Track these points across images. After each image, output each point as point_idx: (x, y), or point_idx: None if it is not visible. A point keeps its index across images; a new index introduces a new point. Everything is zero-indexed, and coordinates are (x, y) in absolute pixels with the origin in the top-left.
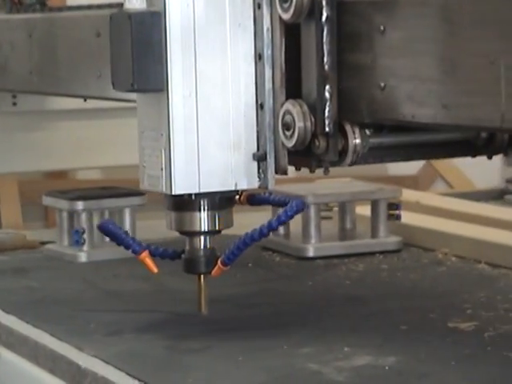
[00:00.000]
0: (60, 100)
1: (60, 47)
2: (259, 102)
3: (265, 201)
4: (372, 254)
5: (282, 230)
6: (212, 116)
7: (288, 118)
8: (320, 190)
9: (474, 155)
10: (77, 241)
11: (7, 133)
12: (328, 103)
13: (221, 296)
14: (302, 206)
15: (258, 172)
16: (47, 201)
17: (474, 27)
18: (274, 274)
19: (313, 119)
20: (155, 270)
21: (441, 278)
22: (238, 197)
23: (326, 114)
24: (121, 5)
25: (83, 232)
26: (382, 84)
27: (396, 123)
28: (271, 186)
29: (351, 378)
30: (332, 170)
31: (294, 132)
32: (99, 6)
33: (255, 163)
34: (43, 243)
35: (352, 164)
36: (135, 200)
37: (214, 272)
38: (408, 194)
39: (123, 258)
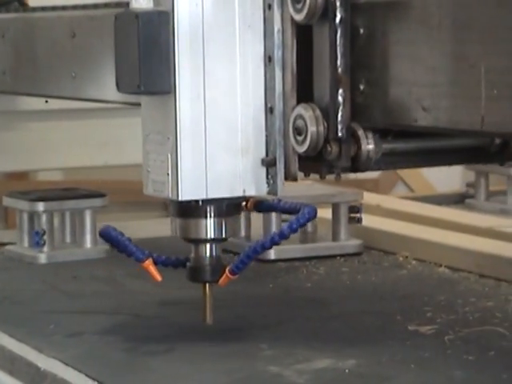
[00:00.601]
0: (21, 101)
1: (34, 48)
2: (269, 106)
3: (273, 207)
4: (333, 256)
5: (243, 231)
6: (220, 119)
7: (300, 122)
8: (286, 193)
9: (487, 162)
10: (37, 242)
11: None
12: (341, 107)
13: (182, 298)
14: (313, 214)
15: (267, 178)
16: (7, 201)
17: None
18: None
19: (325, 124)
20: (159, 278)
21: (401, 282)
22: (244, 203)
23: (339, 118)
24: (126, 4)
25: (43, 233)
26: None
27: (401, 128)
28: (280, 192)
29: (311, 380)
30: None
31: (306, 137)
32: (74, 7)
33: (264, 169)
34: (3, 244)
35: (364, 170)
36: (96, 201)
37: (221, 281)
38: (369, 198)
39: (84, 260)
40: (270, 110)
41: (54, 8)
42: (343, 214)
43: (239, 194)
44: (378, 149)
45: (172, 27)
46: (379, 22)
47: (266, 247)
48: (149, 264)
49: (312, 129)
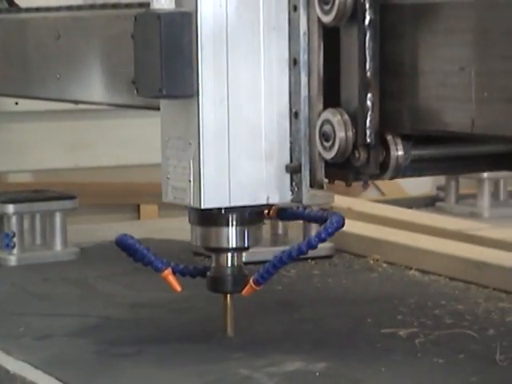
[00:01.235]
0: None
1: (20, 49)
2: (293, 111)
3: (298, 215)
4: (304, 259)
5: None
6: (243, 124)
7: (327, 127)
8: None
9: None
10: (7, 244)
11: None
12: (370, 112)
13: (152, 300)
14: (341, 223)
15: (291, 185)
16: None
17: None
18: (205, 279)
19: (353, 129)
20: (179, 288)
21: (372, 284)
22: (266, 211)
23: (368, 123)
24: (147, 4)
25: (13, 235)
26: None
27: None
28: (306, 200)
29: (282, 383)
30: None
31: (334, 143)
32: (58, 8)
33: (288, 176)
34: None
35: (392, 178)
36: (66, 204)
37: (244, 291)
38: (340, 200)
39: (53, 262)
40: (294, 115)
41: (37, 9)
42: None
43: (263, 201)
44: (407, 155)
45: (195, 28)
46: (409, 24)
47: (293, 257)
48: (168, 274)
49: (340, 134)
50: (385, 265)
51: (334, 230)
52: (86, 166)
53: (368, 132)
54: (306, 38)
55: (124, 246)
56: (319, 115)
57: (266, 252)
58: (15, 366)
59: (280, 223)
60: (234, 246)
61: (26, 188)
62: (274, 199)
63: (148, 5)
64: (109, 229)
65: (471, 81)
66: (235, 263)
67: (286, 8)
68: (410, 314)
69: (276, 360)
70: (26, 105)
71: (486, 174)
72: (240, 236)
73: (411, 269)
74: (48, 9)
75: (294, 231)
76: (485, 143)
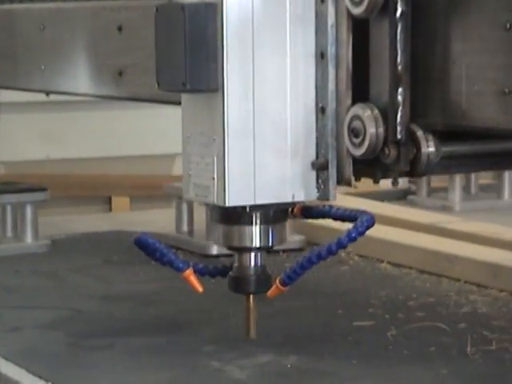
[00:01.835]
0: None
1: (3, 40)
2: (320, 106)
3: (324, 214)
4: (276, 252)
5: (185, 227)
6: (268, 120)
7: (357, 123)
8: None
9: None
10: None
11: None
12: (400, 107)
13: (124, 293)
14: (372, 222)
15: (317, 182)
16: None
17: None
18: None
19: (384, 125)
20: (200, 289)
21: (343, 277)
22: (290, 209)
23: (398, 119)
24: None
25: None
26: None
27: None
28: (333, 198)
29: (253, 375)
30: None
31: (364, 139)
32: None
33: (313, 173)
34: None
35: (422, 175)
36: (38, 195)
37: (269, 292)
38: None
39: (24, 254)
40: (321, 110)
41: (21, 0)
42: None
43: (288, 199)
44: (438, 152)
45: (220, 20)
46: (440, 16)
47: (322, 257)
48: (189, 274)
49: (371, 130)
50: (356, 258)
51: (365, 229)
52: (58, 157)
53: (399, 128)
54: (333, 31)
55: (143, 245)
56: (348, 110)
57: None
58: None
59: None
60: (258, 245)
61: None
62: (300, 197)
63: None
64: (80, 221)
65: (505, 75)
66: (259, 263)
67: (313, 0)
68: (382, 306)
69: (247, 352)
70: None
71: None
72: (264, 235)
73: (383, 262)
74: (32, 0)
75: None
76: None
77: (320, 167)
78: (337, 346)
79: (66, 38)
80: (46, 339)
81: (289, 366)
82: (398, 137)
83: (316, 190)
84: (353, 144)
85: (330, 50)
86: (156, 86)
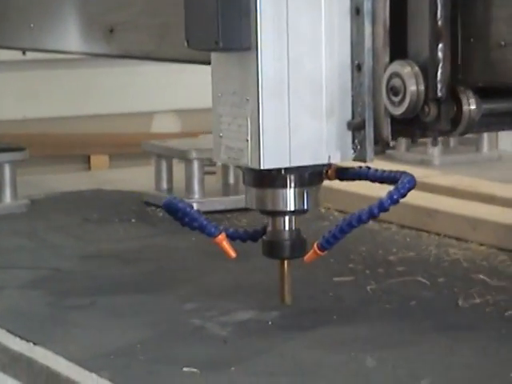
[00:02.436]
0: None
1: None
2: (356, 63)
3: (360, 175)
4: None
5: (165, 184)
6: (303, 78)
7: (396, 81)
8: (203, 145)
9: None
10: None
11: None
12: (441, 64)
13: (104, 251)
14: (413, 183)
15: (353, 143)
16: None
17: None
18: (157, 229)
19: (424, 82)
20: (233, 254)
21: (323, 233)
22: (324, 171)
23: (439, 76)
24: None
25: None
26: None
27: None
28: (370, 158)
29: (234, 332)
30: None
31: (404, 97)
32: None
33: (349, 133)
34: None
35: (463, 133)
36: (16, 155)
37: (307, 257)
38: None
39: (3, 214)
40: (357, 68)
41: None
42: None
43: (324, 161)
44: (479, 110)
45: None
46: None
47: (363, 220)
48: (222, 239)
49: (412, 88)
50: (336, 213)
51: (407, 190)
52: (35, 116)
53: (439, 85)
54: None
55: (172, 209)
56: (386, 68)
57: (217, 202)
58: None
59: (231, 173)
60: (293, 208)
61: None
62: (336, 158)
63: None
64: (59, 180)
65: None
66: (293, 227)
67: None
68: (362, 261)
69: (228, 309)
70: None
71: None
72: (299, 198)
73: None
74: None
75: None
76: None
77: (356, 127)
78: (317, 301)
79: None
80: (26, 299)
81: (270, 322)
82: (439, 94)
83: (352, 151)
84: (392, 102)
85: (366, 6)
86: (185, 44)
